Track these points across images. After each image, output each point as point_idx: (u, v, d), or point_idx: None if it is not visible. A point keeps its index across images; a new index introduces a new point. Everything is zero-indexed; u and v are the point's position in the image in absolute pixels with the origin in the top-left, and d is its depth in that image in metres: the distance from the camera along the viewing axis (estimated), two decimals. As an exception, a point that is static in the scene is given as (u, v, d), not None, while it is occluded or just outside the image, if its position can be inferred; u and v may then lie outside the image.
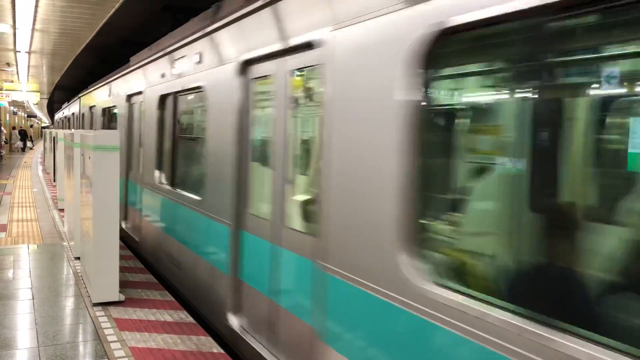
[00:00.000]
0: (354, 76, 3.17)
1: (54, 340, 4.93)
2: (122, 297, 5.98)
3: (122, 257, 6.64)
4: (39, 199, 14.53)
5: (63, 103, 33.40)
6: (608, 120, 2.43)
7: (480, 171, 2.88)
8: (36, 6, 11.51)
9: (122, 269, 6.45)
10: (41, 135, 63.76)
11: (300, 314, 3.84)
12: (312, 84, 3.92)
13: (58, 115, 31.44)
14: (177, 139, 6.96)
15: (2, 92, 27.41)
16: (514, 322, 2.13)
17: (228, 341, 5.00)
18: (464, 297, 2.39)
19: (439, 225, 2.91)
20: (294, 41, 3.90)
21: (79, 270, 7.24)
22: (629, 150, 2.24)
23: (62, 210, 12.01)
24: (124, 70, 10.23)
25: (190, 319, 5.52)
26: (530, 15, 2.15)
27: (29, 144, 45.13)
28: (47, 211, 12.45)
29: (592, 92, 2.44)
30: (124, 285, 6.35)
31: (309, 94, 3.97)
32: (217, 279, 5.16)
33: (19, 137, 43.34)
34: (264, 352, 4.26)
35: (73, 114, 22.25)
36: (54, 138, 17.19)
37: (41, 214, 11.96)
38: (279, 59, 4.24)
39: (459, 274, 2.70)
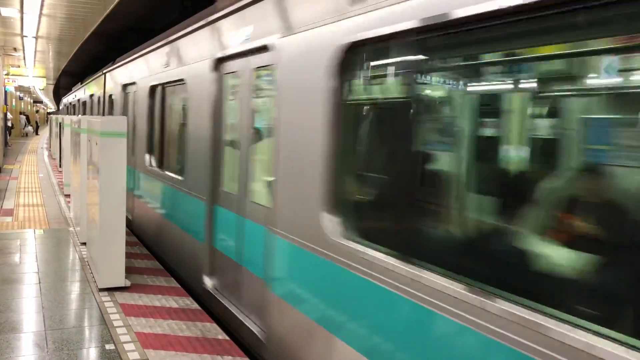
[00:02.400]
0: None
1: (60, 324, 4.96)
2: (128, 283, 6.01)
3: (127, 243, 6.67)
4: (45, 184, 14.59)
5: (69, 89, 33.17)
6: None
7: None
8: (44, -9, 11.49)
9: (128, 255, 6.47)
10: (47, 121, 63.89)
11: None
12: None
13: (69, 99, 29.00)
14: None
15: (9, 77, 27.42)
16: None
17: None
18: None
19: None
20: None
21: (85, 256, 7.28)
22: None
23: (68, 195, 12.05)
24: None
25: (196, 305, 5.54)
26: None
27: (29, 128, 45.45)
28: (53, 196, 12.50)
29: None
30: (129, 271, 6.38)
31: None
32: None
33: (27, 122, 43.64)
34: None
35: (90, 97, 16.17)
36: (59, 124, 17.22)
37: (47, 199, 12.01)
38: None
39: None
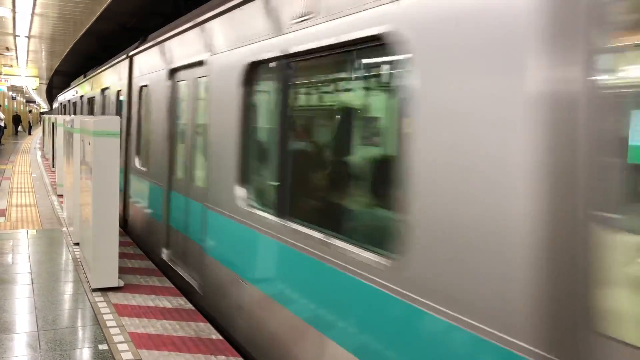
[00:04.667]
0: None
1: (53, 324, 4.95)
2: (121, 283, 6.00)
3: (121, 244, 6.66)
4: (38, 184, 14.53)
5: (62, 89, 32.87)
6: None
7: None
8: (36, -10, 11.44)
9: (121, 255, 6.46)
10: (39, 121, 63.65)
11: None
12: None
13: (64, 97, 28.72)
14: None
15: (1, 76, 27.26)
16: None
17: None
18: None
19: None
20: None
21: (78, 256, 7.26)
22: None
23: (60, 196, 12.01)
24: None
25: (189, 306, 5.54)
26: None
27: (19, 128, 45.73)
28: (46, 197, 12.45)
29: None
30: (123, 271, 6.37)
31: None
32: None
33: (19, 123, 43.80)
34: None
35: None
36: (53, 124, 17.17)
37: (40, 200, 11.96)
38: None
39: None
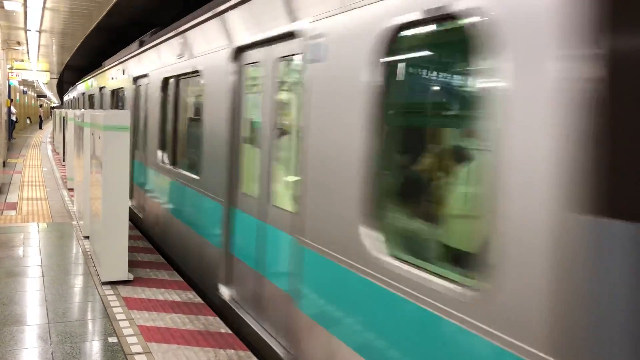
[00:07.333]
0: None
1: (63, 317, 4.98)
2: (131, 277, 6.03)
3: (131, 237, 6.69)
4: (49, 178, 14.63)
5: (72, 84, 32.99)
6: None
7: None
8: (47, -15, 11.47)
9: (131, 249, 6.49)
10: (50, 115, 64.11)
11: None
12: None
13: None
14: None
15: (13, 71, 27.41)
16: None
17: None
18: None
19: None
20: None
21: (88, 249, 7.30)
22: None
23: (71, 189, 12.09)
24: None
25: (199, 299, 5.56)
26: None
27: (27, 121, 46.45)
28: (57, 190, 12.53)
29: None
30: (132, 264, 6.40)
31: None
32: None
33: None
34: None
35: None
36: (64, 118, 17.28)
37: (51, 193, 12.05)
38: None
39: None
